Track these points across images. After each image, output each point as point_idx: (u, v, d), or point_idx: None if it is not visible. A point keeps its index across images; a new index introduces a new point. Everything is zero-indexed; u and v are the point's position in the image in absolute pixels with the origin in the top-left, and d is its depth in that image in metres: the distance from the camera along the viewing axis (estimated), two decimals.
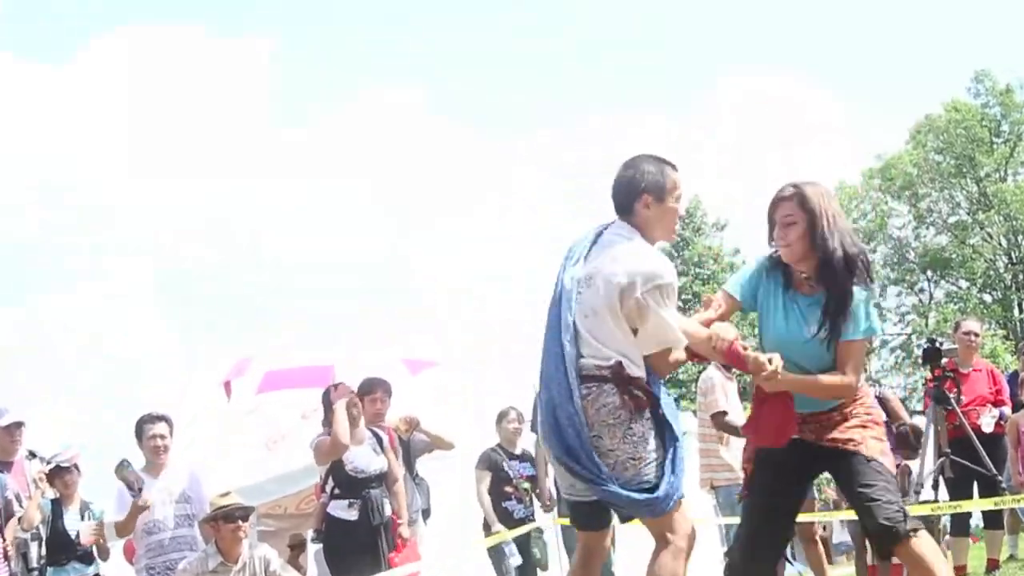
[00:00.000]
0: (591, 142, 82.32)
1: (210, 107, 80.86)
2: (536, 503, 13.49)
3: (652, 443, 5.97)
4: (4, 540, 10.05)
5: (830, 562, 21.86)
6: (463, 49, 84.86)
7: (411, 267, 76.06)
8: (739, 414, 12.11)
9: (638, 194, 6.26)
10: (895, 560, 11.73)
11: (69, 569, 11.16)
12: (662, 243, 6.41)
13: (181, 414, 12.08)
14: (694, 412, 13.13)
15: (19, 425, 11.67)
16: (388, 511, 10.60)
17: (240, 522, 10.06)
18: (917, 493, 11.19)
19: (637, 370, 6.02)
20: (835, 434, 6.26)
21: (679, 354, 6.23)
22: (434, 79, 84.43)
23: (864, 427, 6.29)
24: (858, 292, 6.22)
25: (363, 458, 10.35)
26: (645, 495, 5.94)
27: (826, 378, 6.20)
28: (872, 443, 6.26)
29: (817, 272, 6.22)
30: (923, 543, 6.07)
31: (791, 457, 6.28)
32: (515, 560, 12.94)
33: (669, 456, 6.03)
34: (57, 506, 10.97)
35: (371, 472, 10.34)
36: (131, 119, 79.51)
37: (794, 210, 6.21)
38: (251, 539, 10.69)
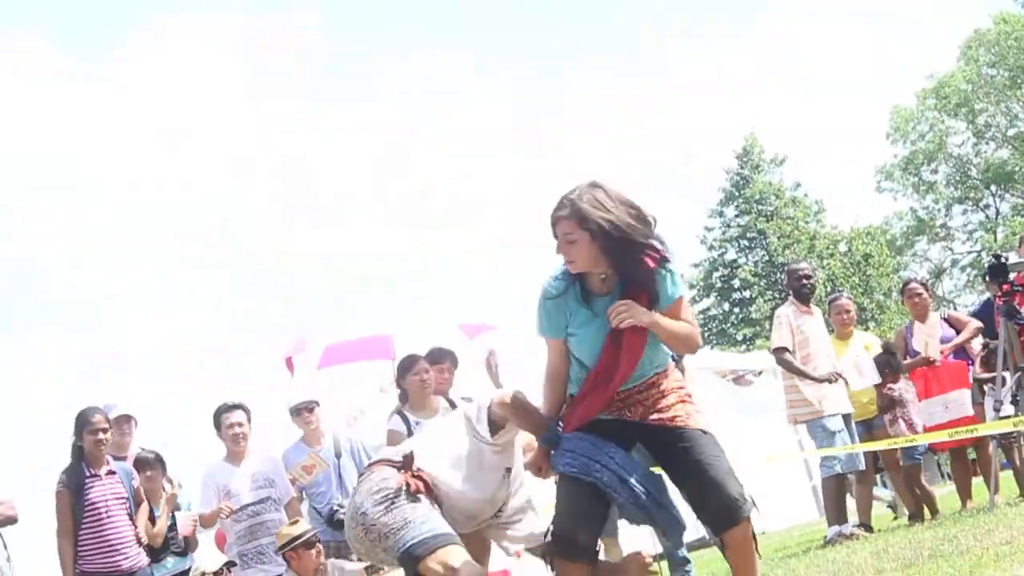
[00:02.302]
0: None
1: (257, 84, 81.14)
2: None
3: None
4: (136, 527, 10.15)
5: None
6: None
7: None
8: (820, 347, 12.06)
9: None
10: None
11: (167, 563, 11.26)
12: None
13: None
14: (770, 349, 13.06)
15: (128, 418, 11.79)
16: None
17: (304, 550, 10.17)
18: (996, 411, 11.11)
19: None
20: (659, 413, 6.12)
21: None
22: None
23: (683, 402, 6.17)
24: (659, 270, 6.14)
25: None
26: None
27: (673, 322, 6.13)
28: (698, 417, 6.17)
29: (612, 270, 6.10)
30: (751, 528, 6.03)
31: (615, 434, 6.17)
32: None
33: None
34: (148, 503, 11.06)
35: None
36: (174, 103, 79.65)
37: (573, 228, 5.99)
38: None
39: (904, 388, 12.18)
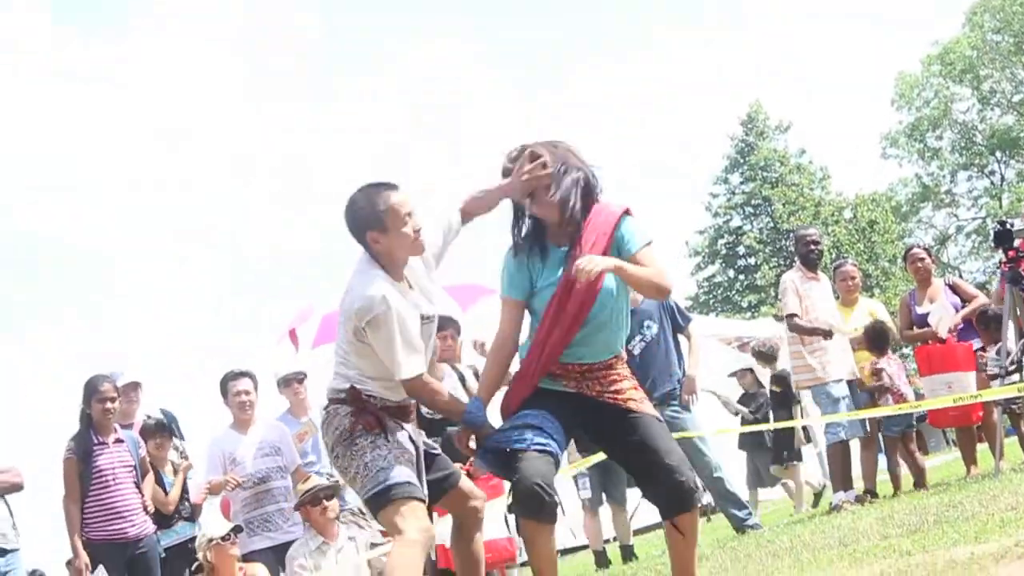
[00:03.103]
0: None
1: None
2: None
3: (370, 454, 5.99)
4: (143, 496, 10.17)
5: (925, 453, 21.75)
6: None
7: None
8: (827, 312, 12.06)
9: (363, 233, 6.08)
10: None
11: (177, 529, 11.28)
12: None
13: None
14: (775, 316, 13.09)
15: (136, 385, 11.82)
16: None
17: (325, 502, 10.14)
18: (1008, 374, 11.11)
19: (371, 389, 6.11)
20: (616, 395, 6.13)
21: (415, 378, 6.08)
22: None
23: (636, 389, 6.24)
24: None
25: None
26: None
27: (637, 267, 5.98)
28: (649, 405, 6.24)
29: (561, 218, 6.08)
30: (698, 514, 6.08)
31: (567, 404, 6.13)
32: (585, 493, 12.91)
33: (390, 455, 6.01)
34: (154, 469, 11.08)
35: None
36: (176, 95, 79.58)
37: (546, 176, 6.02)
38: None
39: (888, 363, 12.14)
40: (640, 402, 6.16)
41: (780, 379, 15.86)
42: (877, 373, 12.01)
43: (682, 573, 6.09)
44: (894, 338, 12.66)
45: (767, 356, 16.48)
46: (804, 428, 15.71)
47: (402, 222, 6.01)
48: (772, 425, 15.43)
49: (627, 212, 6.10)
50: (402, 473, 5.91)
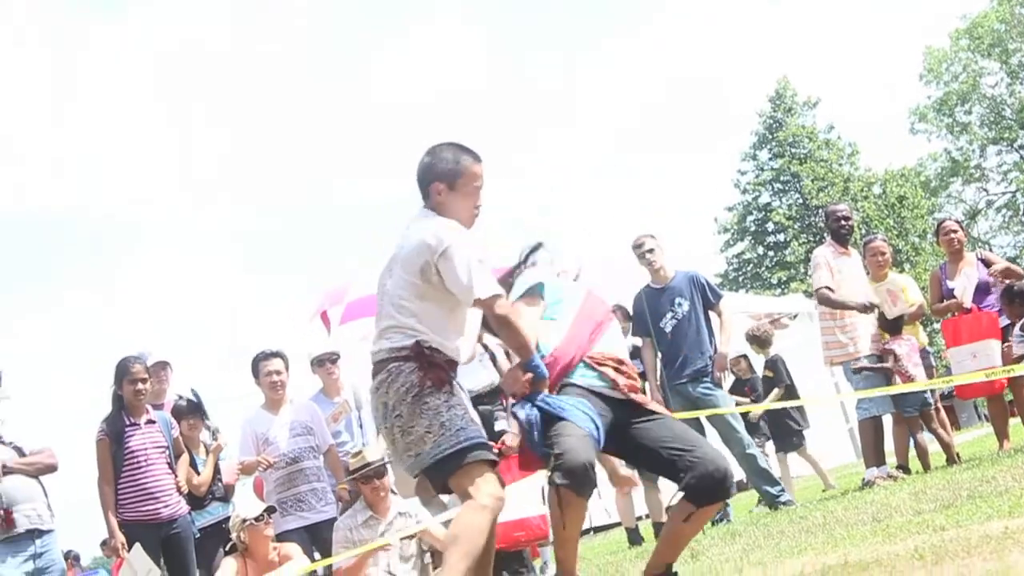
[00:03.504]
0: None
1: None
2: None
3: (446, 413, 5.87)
4: (176, 477, 10.19)
5: (957, 428, 21.71)
6: None
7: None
8: (857, 289, 12.03)
9: (430, 181, 6.18)
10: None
11: (211, 509, 11.32)
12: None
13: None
14: (805, 292, 13.07)
15: (164, 365, 11.84)
16: (500, 425, 10.52)
17: (376, 480, 10.11)
18: None
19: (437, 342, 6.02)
20: (639, 395, 6.28)
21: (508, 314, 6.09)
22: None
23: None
24: None
25: (469, 376, 10.27)
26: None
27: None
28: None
29: None
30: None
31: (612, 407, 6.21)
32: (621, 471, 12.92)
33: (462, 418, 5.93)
34: (188, 450, 11.11)
35: (477, 389, 10.28)
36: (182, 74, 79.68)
37: None
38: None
39: (898, 343, 12.06)
40: (660, 404, 6.44)
41: (772, 364, 15.79)
42: (886, 354, 11.94)
43: (676, 549, 6.21)
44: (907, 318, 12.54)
45: (761, 341, 16.38)
46: (802, 411, 15.61)
47: (472, 189, 6.20)
48: (800, 402, 15.35)
49: None
50: (478, 434, 5.90)
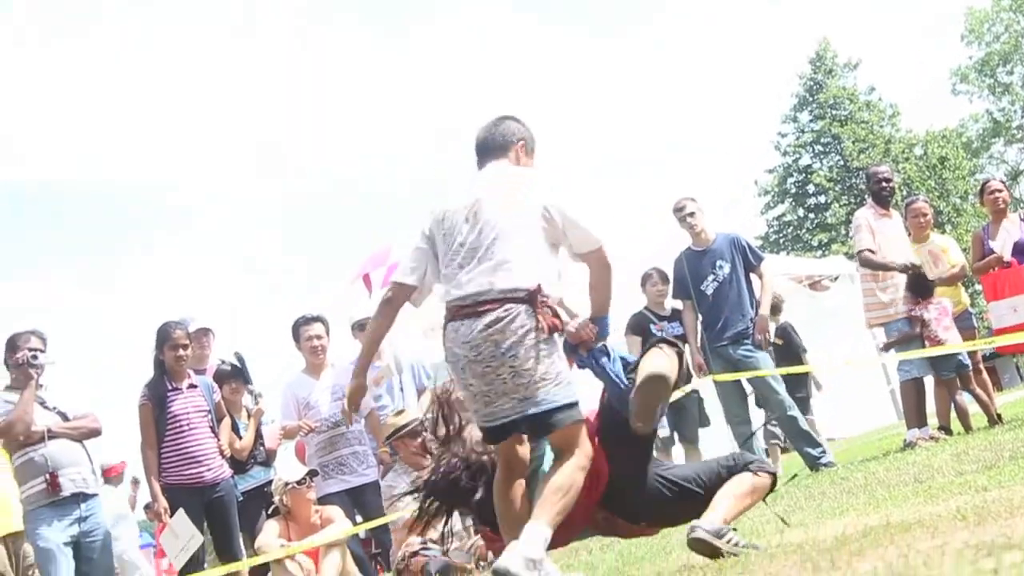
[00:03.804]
0: None
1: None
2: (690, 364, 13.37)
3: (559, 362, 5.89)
4: (219, 441, 10.22)
5: (999, 388, 21.61)
6: None
7: None
8: (898, 251, 11.98)
9: (518, 139, 6.37)
10: None
11: (253, 473, 11.38)
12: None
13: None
14: (846, 254, 13.02)
15: (207, 331, 11.90)
16: None
17: (414, 440, 10.16)
18: None
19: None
20: None
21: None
22: None
23: None
24: None
25: None
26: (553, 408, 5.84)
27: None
28: None
29: None
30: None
31: None
32: (663, 432, 12.93)
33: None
34: (229, 415, 11.15)
35: None
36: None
37: None
38: None
39: (927, 308, 11.96)
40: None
41: (783, 332, 15.68)
42: (914, 321, 11.87)
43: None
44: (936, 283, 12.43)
45: (772, 308, 16.27)
46: (806, 379, 15.48)
47: (531, 162, 6.45)
48: (845, 363, 15.31)
49: None
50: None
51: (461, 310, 5.93)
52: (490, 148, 6.40)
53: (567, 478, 5.75)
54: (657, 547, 6.99)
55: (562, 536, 5.93)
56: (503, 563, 5.38)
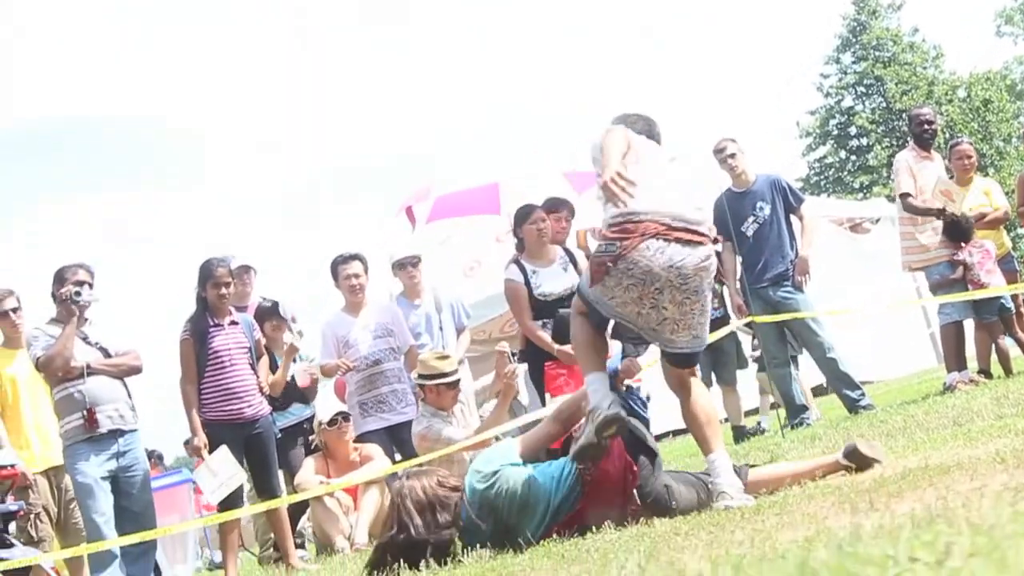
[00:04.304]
0: None
1: None
2: (729, 305, 13.34)
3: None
4: (259, 378, 10.23)
5: None
6: None
7: None
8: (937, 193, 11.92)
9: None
10: None
11: (293, 410, 11.43)
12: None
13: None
14: (887, 197, 12.96)
15: (248, 269, 11.97)
16: None
17: (459, 387, 10.32)
18: None
19: None
20: None
21: None
22: None
23: None
24: None
25: (549, 279, 10.28)
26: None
27: None
28: None
29: None
30: None
31: None
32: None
33: None
34: (269, 352, 11.19)
35: (559, 292, 10.28)
36: None
37: None
38: None
39: (970, 252, 11.88)
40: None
41: None
42: (956, 265, 11.81)
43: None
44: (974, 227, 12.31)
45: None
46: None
47: None
48: (886, 305, 15.22)
49: None
50: None
51: (671, 231, 6.01)
52: (656, 135, 6.88)
53: (707, 406, 6.41)
54: None
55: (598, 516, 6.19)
56: (726, 501, 5.79)
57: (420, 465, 10.16)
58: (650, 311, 6.06)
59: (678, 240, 5.96)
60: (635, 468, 6.15)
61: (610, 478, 6.15)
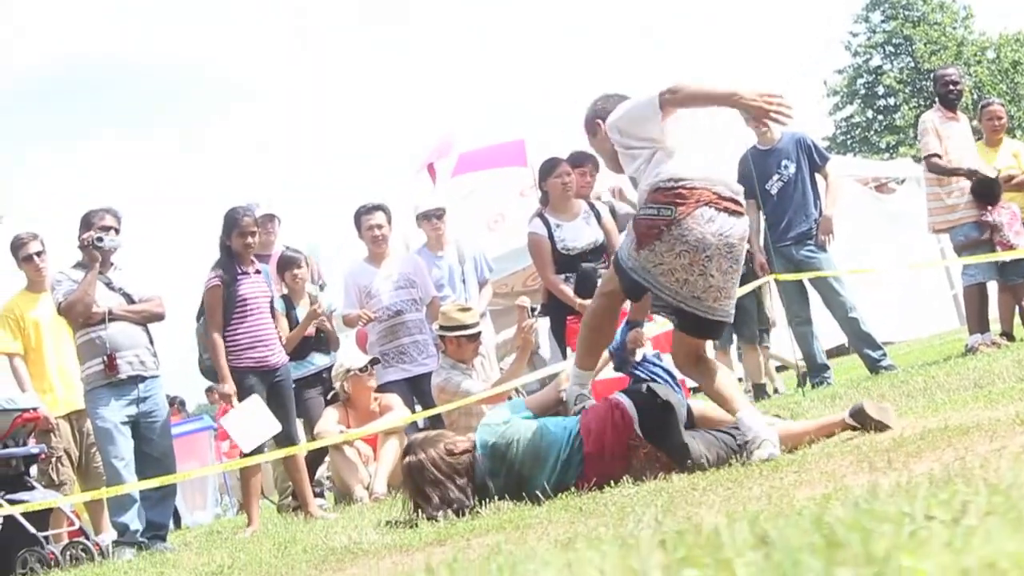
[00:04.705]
0: None
1: None
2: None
3: None
4: (278, 328, 10.23)
5: None
6: None
7: None
8: (964, 155, 11.85)
9: (600, 120, 6.71)
10: None
11: (313, 359, 11.44)
12: None
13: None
14: (913, 157, 12.89)
15: (272, 217, 11.99)
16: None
17: (480, 340, 10.37)
18: None
19: None
20: None
21: None
22: None
23: None
24: None
25: (572, 233, 10.28)
26: None
27: None
28: None
29: None
30: None
31: None
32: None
33: None
34: (288, 301, 11.19)
35: (582, 246, 10.28)
36: None
37: None
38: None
39: (999, 212, 11.82)
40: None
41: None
42: (984, 226, 11.75)
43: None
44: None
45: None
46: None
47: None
48: (917, 265, 15.17)
49: None
50: None
51: (722, 200, 6.15)
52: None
53: (731, 383, 6.46)
54: None
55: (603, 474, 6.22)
56: (769, 450, 5.84)
57: (435, 421, 10.23)
58: (697, 278, 6.10)
59: (726, 210, 6.10)
60: (638, 435, 6.19)
61: (608, 448, 6.20)
